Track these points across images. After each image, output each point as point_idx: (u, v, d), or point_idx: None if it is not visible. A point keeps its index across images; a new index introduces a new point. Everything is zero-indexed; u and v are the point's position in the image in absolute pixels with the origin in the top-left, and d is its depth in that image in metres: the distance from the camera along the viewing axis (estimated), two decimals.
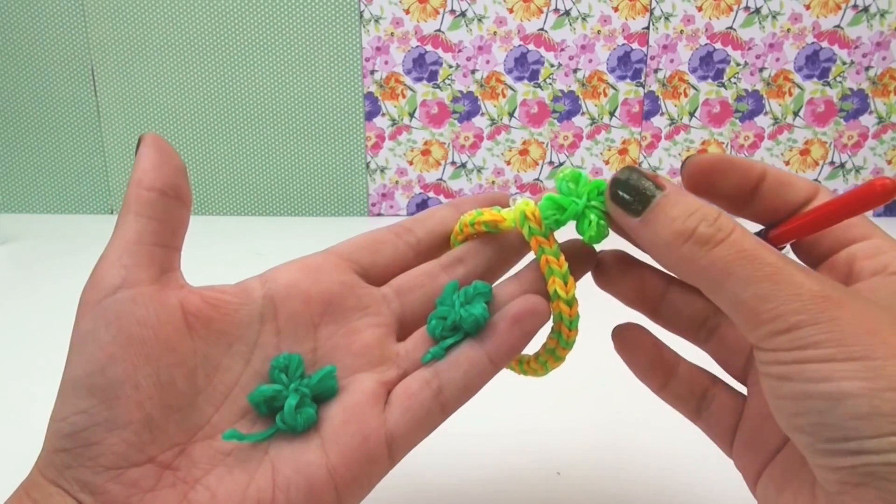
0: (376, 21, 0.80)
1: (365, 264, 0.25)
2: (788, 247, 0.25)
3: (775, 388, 0.19)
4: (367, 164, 0.85)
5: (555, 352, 0.26)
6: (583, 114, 0.83)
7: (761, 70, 0.81)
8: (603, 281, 0.26)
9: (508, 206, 0.27)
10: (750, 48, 0.80)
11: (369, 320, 0.25)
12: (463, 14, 0.80)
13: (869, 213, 0.84)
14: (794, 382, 0.19)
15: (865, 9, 0.78)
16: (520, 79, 0.82)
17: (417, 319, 0.25)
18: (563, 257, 0.25)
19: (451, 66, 0.82)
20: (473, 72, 0.82)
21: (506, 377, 0.45)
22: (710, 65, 0.81)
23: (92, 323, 0.21)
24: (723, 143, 0.84)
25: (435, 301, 0.25)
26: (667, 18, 0.80)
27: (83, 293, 0.21)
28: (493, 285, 0.25)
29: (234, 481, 0.21)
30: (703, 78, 0.82)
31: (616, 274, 0.26)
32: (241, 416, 0.22)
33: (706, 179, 0.24)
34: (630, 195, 0.22)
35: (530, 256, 0.26)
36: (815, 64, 0.81)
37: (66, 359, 0.21)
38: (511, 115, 0.83)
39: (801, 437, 0.19)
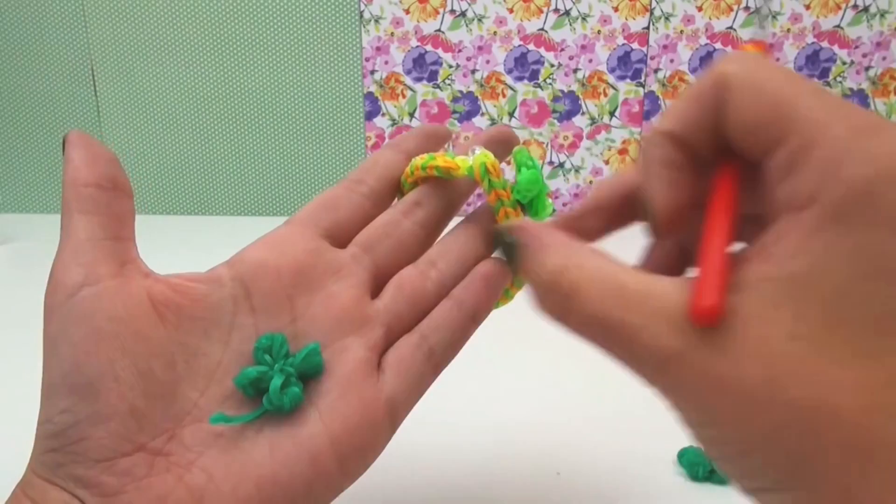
0: (376, 21, 0.80)
1: (327, 226, 0.26)
2: None
3: None
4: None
5: (508, 292, 0.27)
6: (583, 114, 0.83)
7: None
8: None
9: (449, 139, 0.30)
10: None
11: (343, 283, 0.25)
12: (463, 14, 0.80)
13: None
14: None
15: (865, 9, 0.78)
16: (520, 79, 0.82)
17: (389, 271, 0.26)
18: (519, 208, 0.26)
19: (451, 66, 0.82)
20: (473, 72, 0.82)
21: (506, 378, 0.45)
22: (710, 65, 0.81)
23: (60, 324, 0.20)
24: None
25: (403, 249, 0.26)
26: (667, 18, 0.80)
27: (46, 298, 0.21)
28: (447, 232, 0.27)
29: (230, 461, 0.21)
30: None
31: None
32: (227, 398, 0.22)
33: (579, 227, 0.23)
34: (506, 253, 0.21)
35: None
36: (815, 64, 0.81)
37: (42, 364, 0.21)
38: (511, 115, 0.83)
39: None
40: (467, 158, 0.26)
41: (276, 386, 0.22)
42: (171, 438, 0.21)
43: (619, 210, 0.22)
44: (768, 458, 0.15)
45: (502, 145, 0.29)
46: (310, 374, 0.23)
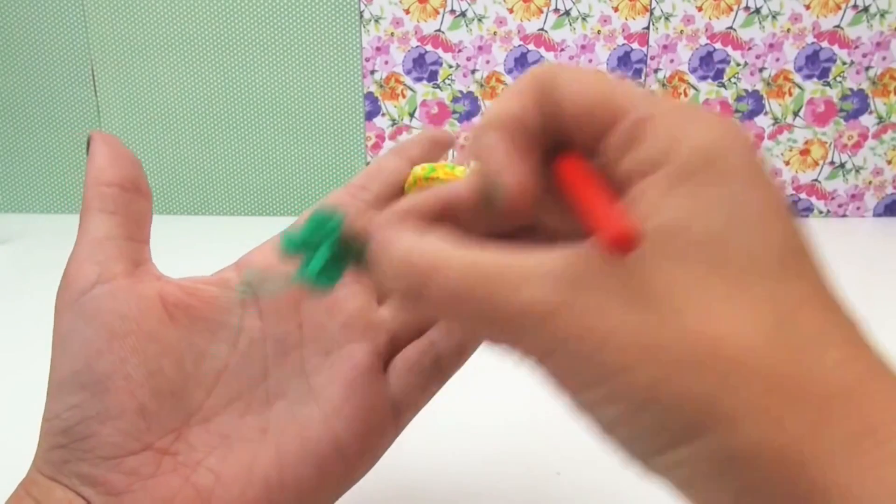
0: (376, 21, 0.80)
1: None
2: None
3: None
4: (368, 164, 0.85)
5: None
6: None
7: (761, 70, 0.81)
8: None
9: (452, 146, 0.29)
10: (750, 48, 0.80)
11: (349, 289, 0.25)
12: (463, 14, 0.80)
13: (868, 213, 0.84)
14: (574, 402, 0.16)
15: (865, 9, 0.78)
16: None
17: None
18: None
19: (451, 66, 0.82)
20: (473, 72, 0.82)
21: (507, 378, 0.45)
22: (710, 65, 0.81)
23: (72, 321, 0.20)
24: None
25: None
26: (667, 18, 0.80)
27: (58, 294, 0.21)
28: None
29: (237, 460, 0.21)
30: (703, 78, 0.82)
31: None
32: (234, 400, 0.23)
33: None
34: (353, 254, 0.20)
35: None
36: (815, 64, 0.81)
37: (51, 360, 0.21)
38: None
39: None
40: (467, 170, 0.26)
41: (323, 258, 0.20)
42: (178, 438, 0.21)
43: (436, 218, 0.20)
44: (667, 408, 0.14)
45: None
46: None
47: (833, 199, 0.85)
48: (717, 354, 0.14)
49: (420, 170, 0.27)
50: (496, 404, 0.43)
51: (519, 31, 0.80)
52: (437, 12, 0.80)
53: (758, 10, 0.79)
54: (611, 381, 0.15)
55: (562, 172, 0.18)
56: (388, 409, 0.23)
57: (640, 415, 0.15)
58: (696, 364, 0.14)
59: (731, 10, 0.79)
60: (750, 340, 0.14)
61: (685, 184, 0.15)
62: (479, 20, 0.80)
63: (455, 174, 0.26)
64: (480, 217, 0.20)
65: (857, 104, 0.82)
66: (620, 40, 0.80)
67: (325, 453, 0.22)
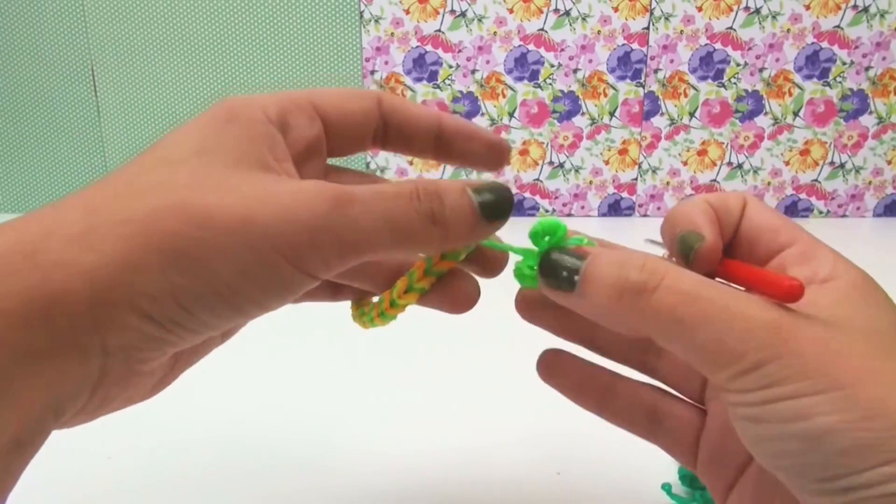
0: (376, 21, 0.80)
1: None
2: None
3: (750, 430, 0.19)
4: (367, 164, 0.85)
5: (363, 317, 0.27)
6: (583, 114, 0.83)
7: (761, 70, 0.81)
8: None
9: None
10: (750, 48, 0.80)
11: None
12: (463, 14, 0.80)
13: (868, 213, 0.84)
14: (769, 424, 0.18)
15: (865, 9, 0.78)
16: (520, 79, 0.82)
17: None
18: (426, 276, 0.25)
19: (451, 67, 0.82)
20: (473, 72, 0.82)
21: (507, 378, 0.45)
22: (710, 65, 0.81)
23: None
24: (723, 143, 0.84)
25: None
26: (667, 18, 0.80)
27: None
28: None
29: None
30: (703, 78, 0.82)
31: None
32: None
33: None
34: (558, 273, 0.21)
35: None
36: (815, 64, 0.81)
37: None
38: (511, 115, 0.83)
39: (789, 478, 0.19)
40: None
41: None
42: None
43: None
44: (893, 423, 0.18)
45: None
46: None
47: (833, 199, 0.85)
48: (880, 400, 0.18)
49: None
50: (497, 405, 0.43)
51: (519, 32, 0.80)
52: (437, 12, 0.80)
53: (758, 11, 0.79)
54: (846, 389, 0.18)
55: (730, 264, 0.23)
56: None
57: (867, 423, 0.17)
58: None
59: (731, 10, 0.79)
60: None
61: (854, 294, 0.21)
62: (479, 20, 0.80)
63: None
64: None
65: (857, 104, 0.82)
66: (620, 40, 0.80)
67: None
